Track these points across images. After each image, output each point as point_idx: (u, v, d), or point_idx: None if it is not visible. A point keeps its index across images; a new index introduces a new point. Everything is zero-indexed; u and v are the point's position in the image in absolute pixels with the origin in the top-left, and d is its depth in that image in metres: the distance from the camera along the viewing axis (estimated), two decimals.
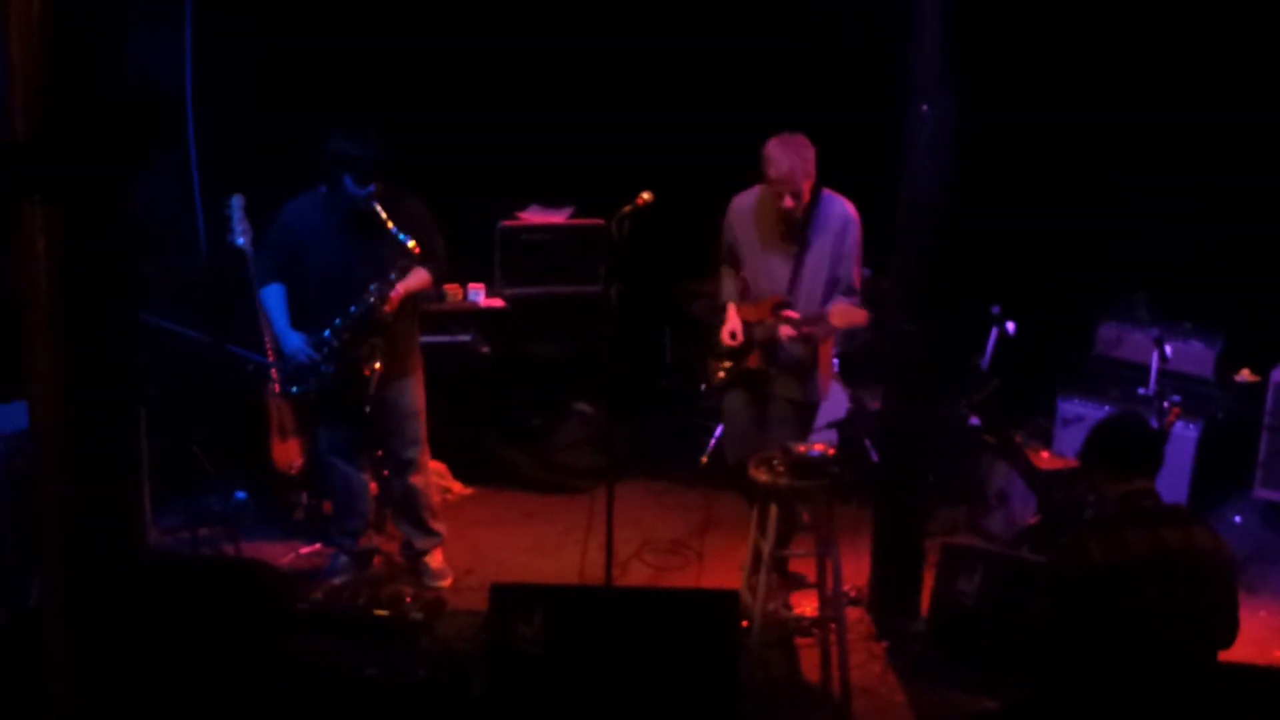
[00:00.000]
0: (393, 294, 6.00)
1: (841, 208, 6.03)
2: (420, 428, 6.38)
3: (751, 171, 6.06)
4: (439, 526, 6.54)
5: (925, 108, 5.69)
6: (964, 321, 7.13)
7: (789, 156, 5.83)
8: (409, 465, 6.36)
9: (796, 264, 6.02)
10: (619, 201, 5.72)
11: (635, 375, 8.36)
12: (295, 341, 6.08)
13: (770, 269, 6.09)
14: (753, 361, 6.17)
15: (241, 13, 7.21)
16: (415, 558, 6.49)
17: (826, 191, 6.03)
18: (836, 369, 7.73)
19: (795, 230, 6.00)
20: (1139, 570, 4.05)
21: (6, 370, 3.70)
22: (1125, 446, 4.28)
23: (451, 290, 7.95)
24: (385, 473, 6.54)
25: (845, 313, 5.83)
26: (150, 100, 3.40)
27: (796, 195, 5.87)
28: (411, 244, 5.82)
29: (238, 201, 6.68)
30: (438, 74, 8.08)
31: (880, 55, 5.95)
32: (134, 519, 3.63)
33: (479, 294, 8.05)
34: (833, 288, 6.01)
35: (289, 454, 6.96)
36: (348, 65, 7.52)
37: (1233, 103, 7.61)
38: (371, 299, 5.96)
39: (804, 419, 6.24)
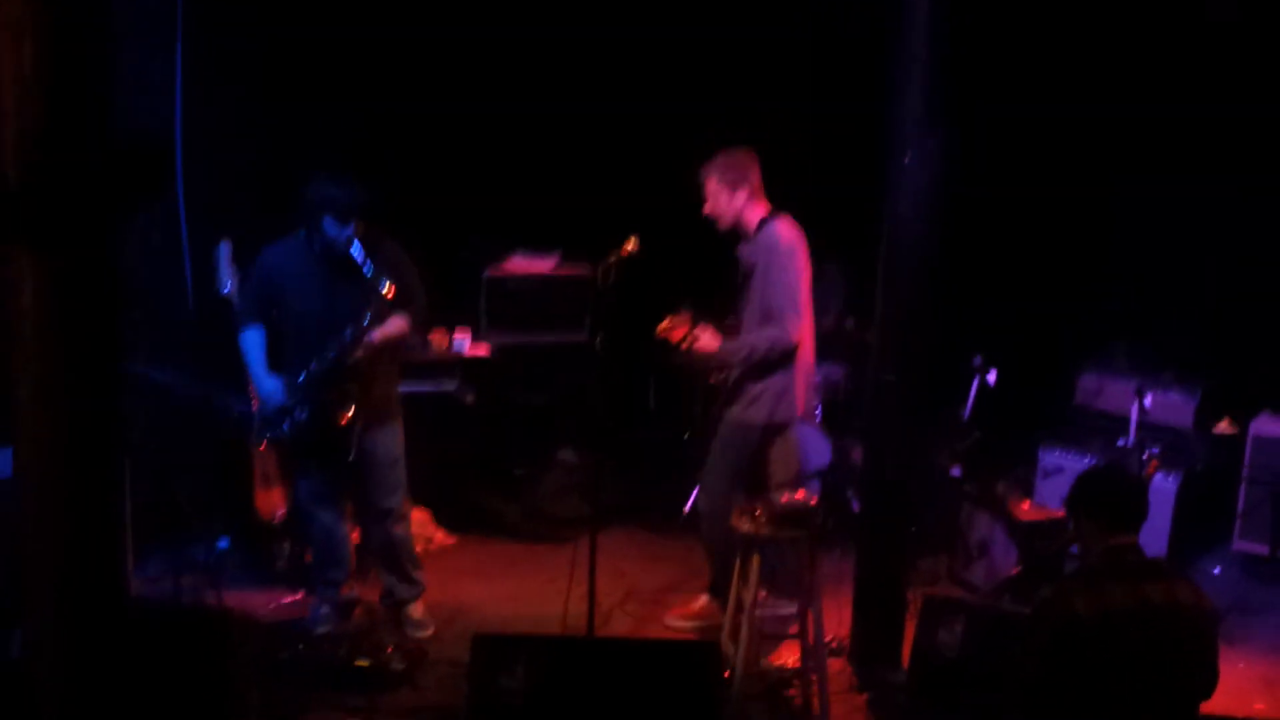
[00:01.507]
0: (368, 340, 6.00)
1: (772, 233, 6.15)
2: (400, 476, 6.35)
3: None
4: (420, 576, 6.52)
5: (908, 158, 5.74)
6: (945, 372, 7.16)
7: (714, 158, 6.18)
8: (389, 514, 6.34)
9: (746, 287, 6.19)
10: (605, 245, 5.75)
11: (620, 424, 8.37)
12: (270, 385, 6.08)
13: (741, 293, 6.26)
14: (713, 378, 6.36)
15: (231, 60, 7.24)
16: (397, 607, 6.46)
17: (776, 220, 6.19)
18: (819, 418, 7.76)
19: (743, 255, 6.22)
20: (1122, 623, 4.07)
21: None
22: (1111, 500, 4.31)
23: (436, 338, 7.98)
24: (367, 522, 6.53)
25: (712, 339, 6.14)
26: (142, 148, 3.42)
27: (708, 197, 6.19)
28: (387, 288, 5.83)
29: (225, 248, 6.69)
30: (425, 121, 8.13)
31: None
32: (117, 567, 3.62)
33: (464, 342, 8.07)
34: (766, 314, 6.13)
35: (272, 502, 6.95)
36: (337, 113, 7.57)
37: (1218, 162, 7.70)
38: (345, 344, 5.96)
39: (728, 435, 6.32)
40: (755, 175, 6.21)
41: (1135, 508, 4.32)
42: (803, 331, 6.16)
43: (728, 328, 6.35)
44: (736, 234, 6.28)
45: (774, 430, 6.33)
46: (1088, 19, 7.72)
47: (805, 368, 6.31)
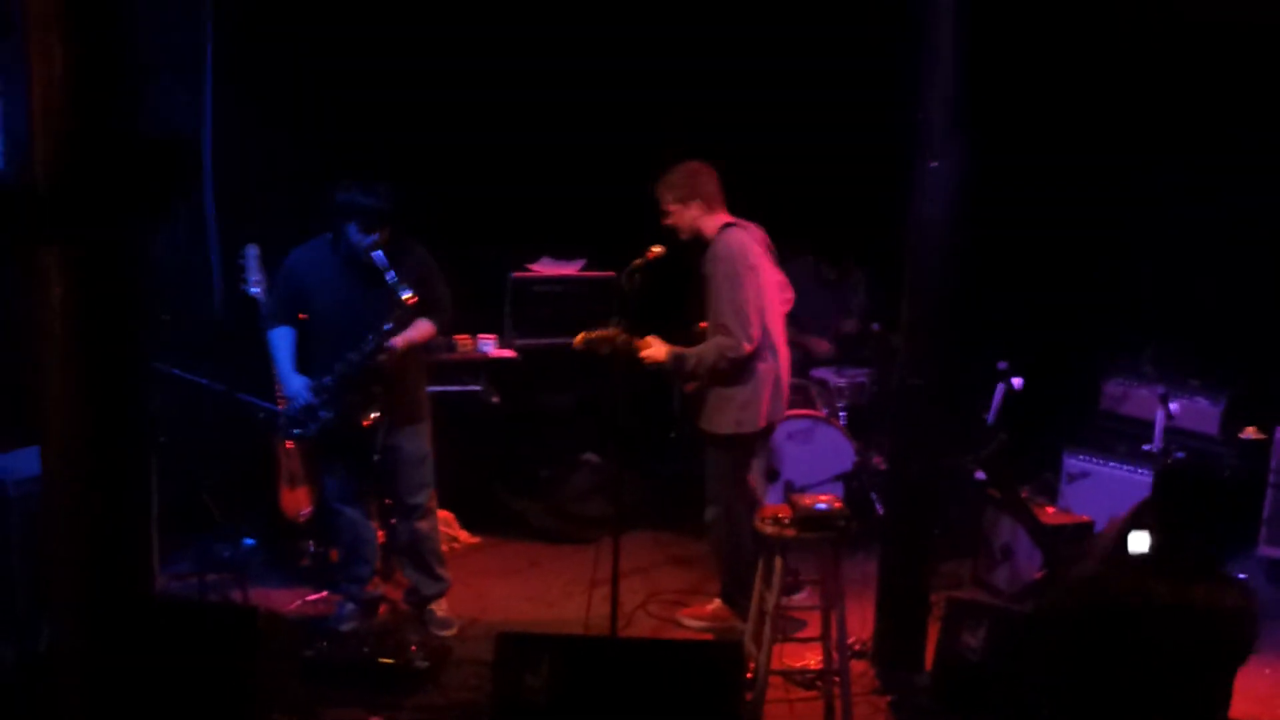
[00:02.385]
0: (392, 344, 6.03)
1: (721, 244, 6.22)
2: (428, 474, 6.40)
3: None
4: (445, 574, 6.56)
5: (934, 164, 5.75)
6: (970, 377, 7.16)
7: (666, 175, 6.31)
8: (416, 510, 6.38)
9: (704, 299, 6.27)
10: (631, 254, 5.79)
11: (644, 426, 8.38)
12: (296, 385, 6.14)
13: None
14: (688, 387, 6.44)
15: (262, 66, 7.29)
16: (421, 605, 6.50)
17: (728, 230, 6.25)
18: (844, 422, 7.77)
19: (702, 267, 6.27)
20: (1154, 619, 4.05)
21: (20, 416, 3.74)
22: (1190, 498, 4.29)
23: (462, 341, 8.01)
24: (393, 520, 6.56)
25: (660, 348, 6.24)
26: (170, 150, 3.45)
27: (664, 214, 6.29)
28: (408, 296, 5.85)
29: (253, 251, 6.74)
30: (456, 125, 8.16)
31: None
32: (143, 564, 3.65)
33: (490, 344, 8.10)
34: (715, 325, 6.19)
35: (297, 502, 6.99)
36: (365, 117, 7.60)
37: (1242, 162, 7.68)
38: (368, 348, 5.99)
39: (708, 447, 6.40)
40: (708, 187, 6.29)
41: (1209, 509, 4.29)
42: (761, 340, 6.17)
43: (699, 335, 6.39)
44: (698, 245, 6.33)
45: (748, 440, 6.36)
46: (1115, 22, 7.70)
47: (774, 375, 6.32)
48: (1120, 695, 4.09)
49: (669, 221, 6.29)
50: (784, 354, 6.40)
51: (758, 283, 6.18)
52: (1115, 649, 4.07)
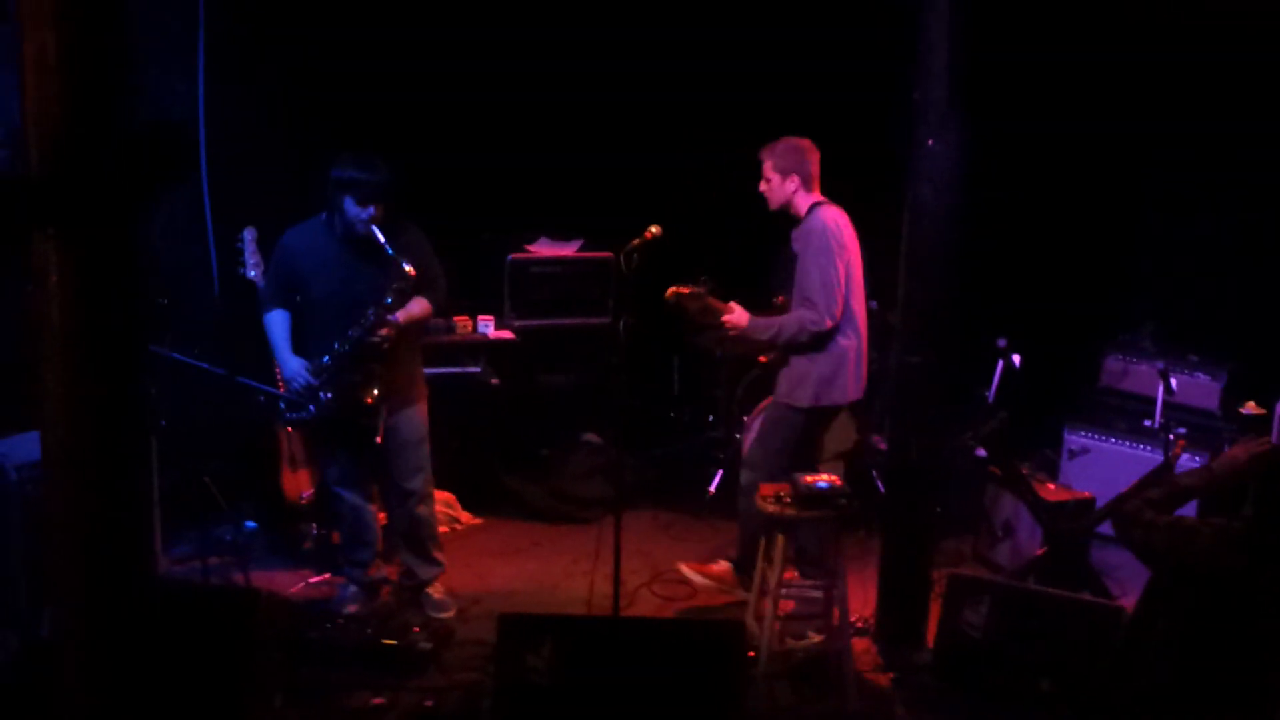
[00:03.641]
0: (392, 319, 6.02)
1: (815, 220, 6.24)
2: (425, 457, 6.39)
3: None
4: (441, 557, 6.56)
5: (931, 142, 5.75)
6: (970, 354, 7.16)
7: (775, 143, 6.33)
8: (413, 494, 6.36)
9: (790, 273, 6.31)
10: (628, 234, 5.79)
11: (644, 407, 8.40)
12: (294, 366, 6.10)
13: (790, 277, 6.38)
14: (763, 358, 6.49)
15: (257, 48, 7.28)
16: (418, 589, 6.49)
17: (821, 208, 6.27)
18: None
19: (792, 242, 6.32)
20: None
21: (20, 401, 3.74)
22: None
23: (461, 322, 8.01)
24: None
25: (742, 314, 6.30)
26: (165, 135, 3.44)
27: (763, 179, 6.32)
28: (409, 268, 5.86)
29: (250, 234, 6.73)
30: (450, 106, 8.15)
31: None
32: (145, 549, 3.65)
33: (488, 326, 8.10)
34: (801, 298, 6.25)
35: (299, 484, 6.99)
36: (362, 98, 7.59)
37: (1243, 133, 7.67)
38: (368, 324, 5.99)
39: (776, 416, 6.43)
40: (811, 165, 6.32)
41: None
42: (843, 316, 6.22)
43: (776, 309, 6.49)
44: (787, 218, 6.37)
45: (822, 414, 6.39)
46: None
47: (855, 352, 6.35)
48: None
49: (764, 188, 6.33)
50: (865, 335, 6.43)
51: (848, 261, 6.23)
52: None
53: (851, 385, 6.35)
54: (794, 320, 6.18)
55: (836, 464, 6.74)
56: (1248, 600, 4.18)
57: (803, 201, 6.30)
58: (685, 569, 6.65)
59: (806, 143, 6.34)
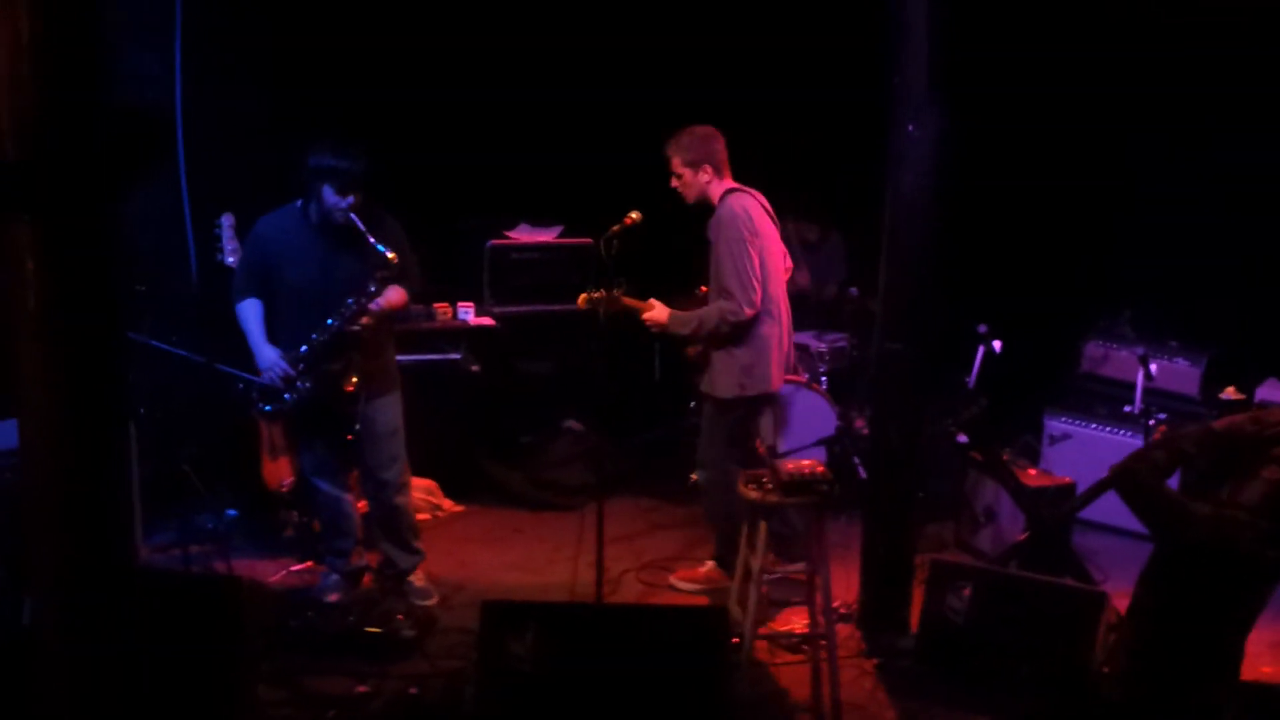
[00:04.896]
0: (371, 307, 5.99)
1: (725, 209, 6.26)
2: (400, 446, 6.35)
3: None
4: (419, 545, 6.53)
5: (911, 128, 5.74)
6: (950, 340, 7.16)
7: (677, 137, 6.31)
8: (388, 484, 6.33)
9: (708, 263, 6.33)
10: (608, 220, 5.77)
11: (624, 393, 8.39)
12: (270, 356, 6.04)
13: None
14: (689, 350, 6.56)
15: (235, 33, 7.23)
16: (399, 579, 6.46)
17: (731, 196, 6.27)
18: (825, 386, 7.77)
19: (709, 231, 6.32)
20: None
21: None
22: None
23: (441, 309, 7.99)
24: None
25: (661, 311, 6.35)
26: (140, 120, 3.42)
27: (674, 175, 6.31)
28: (391, 255, 5.82)
29: (227, 220, 6.69)
30: (432, 94, 8.11)
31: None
32: (125, 536, 3.63)
33: (468, 312, 8.08)
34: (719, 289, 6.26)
35: (279, 472, 6.95)
36: (341, 85, 7.55)
37: (1228, 125, 7.70)
38: (349, 313, 5.95)
39: (709, 412, 6.48)
40: (720, 152, 6.30)
41: None
42: (762, 304, 6.21)
43: (700, 299, 6.48)
44: (708, 209, 6.35)
45: (749, 403, 6.38)
46: None
47: (777, 339, 6.35)
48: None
49: (677, 184, 6.32)
50: (786, 319, 6.42)
51: (761, 248, 6.21)
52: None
53: (776, 373, 6.36)
54: (714, 311, 6.20)
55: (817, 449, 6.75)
56: (1251, 575, 4.28)
57: (716, 190, 6.29)
58: (677, 581, 6.68)
59: (710, 129, 6.32)
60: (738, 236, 6.14)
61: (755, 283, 6.15)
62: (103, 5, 3.19)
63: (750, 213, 6.21)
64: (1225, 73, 7.63)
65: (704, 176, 6.26)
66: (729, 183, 6.31)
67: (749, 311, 6.15)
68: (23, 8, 3.04)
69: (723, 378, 6.31)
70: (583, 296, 6.24)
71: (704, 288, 6.44)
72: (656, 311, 6.33)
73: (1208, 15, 7.28)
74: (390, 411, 6.30)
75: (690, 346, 6.52)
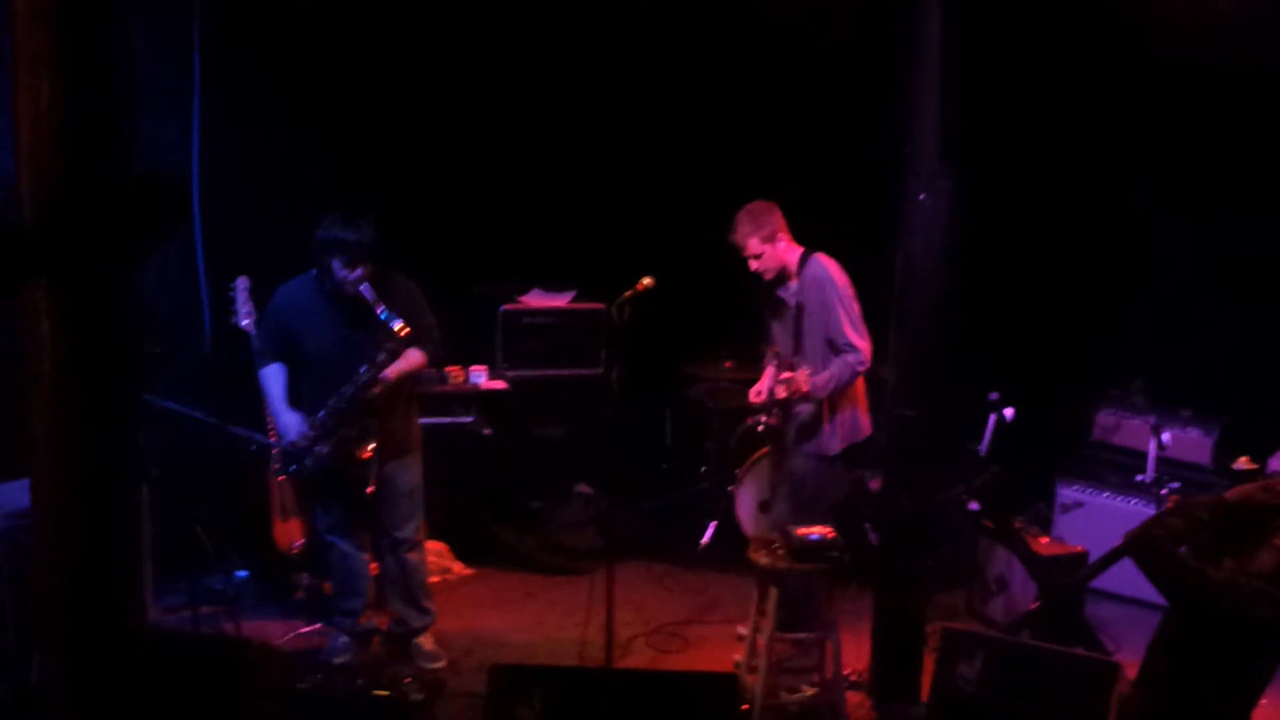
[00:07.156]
0: (384, 375, 6.02)
1: (819, 268, 6.31)
2: (417, 506, 6.39)
3: None
4: (432, 606, 6.54)
5: (923, 196, 5.76)
6: (962, 407, 7.16)
7: (741, 221, 6.28)
8: (404, 543, 6.37)
9: (796, 327, 6.31)
10: (621, 285, 5.79)
11: (636, 458, 8.38)
12: (289, 421, 6.12)
13: (780, 334, 6.42)
14: (774, 419, 6.43)
15: (252, 96, 7.31)
16: (408, 638, 6.46)
17: (815, 256, 6.35)
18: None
19: (788, 295, 6.35)
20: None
21: (10, 448, 3.73)
22: None
23: (453, 372, 8.01)
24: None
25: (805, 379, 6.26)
26: (158, 184, 3.45)
27: (754, 258, 6.29)
28: (399, 327, 5.84)
29: (243, 283, 6.73)
30: (446, 157, 8.17)
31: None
32: (135, 597, 3.63)
33: (481, 376, 8.09)
34: (832, 347, 6.29)
35: (290, 534, 6.97)
36: (355, 150, 7.61)
37: (1239, 200, 7.71)
38: (361, 381, 5.99)
39: (805, 469, 6.48)
40: (781, 219, 6.37)
41: None
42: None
43: (769, 359, 6.50)
44: (777, 279, 6.42)
45: (849, 454, 6.55)
46: (1101, 51, 7.73)
47: (862, 388, 6.49)
48: None
49: (757, 265, 6.34)
50: None
51: (857, 299, 6.35)
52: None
53: (866, 417, 6.48)
54: (846, 366, 6.27)
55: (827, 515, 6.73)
56: (1266, 643, 4.30)
57: (791, 256, 6.35)
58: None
59: (763, 202, 6.38)
60: (846, 291, 6.27)
61: (866, 332, 6.26)
62: (123, 70, 3.23)
63: (839, 267, 6.34)
64: (1243, 133, 7.64)
65: (781, 245, 6.33)
66: (797, 246, 6.39)
67: (869, 360, 6.25)
68: (44, 71, 3.08)
69: (835, 432, 6.41)
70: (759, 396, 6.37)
71: (775, 347, 6.44)
72: (801, 378, 6.27)
73: (1224, 90, 7.32)
74: (410, 471, 6.33)
75: (751, 415, 6.51)
